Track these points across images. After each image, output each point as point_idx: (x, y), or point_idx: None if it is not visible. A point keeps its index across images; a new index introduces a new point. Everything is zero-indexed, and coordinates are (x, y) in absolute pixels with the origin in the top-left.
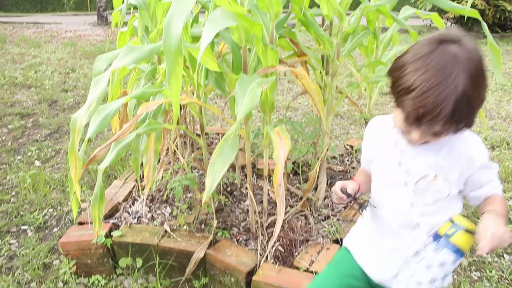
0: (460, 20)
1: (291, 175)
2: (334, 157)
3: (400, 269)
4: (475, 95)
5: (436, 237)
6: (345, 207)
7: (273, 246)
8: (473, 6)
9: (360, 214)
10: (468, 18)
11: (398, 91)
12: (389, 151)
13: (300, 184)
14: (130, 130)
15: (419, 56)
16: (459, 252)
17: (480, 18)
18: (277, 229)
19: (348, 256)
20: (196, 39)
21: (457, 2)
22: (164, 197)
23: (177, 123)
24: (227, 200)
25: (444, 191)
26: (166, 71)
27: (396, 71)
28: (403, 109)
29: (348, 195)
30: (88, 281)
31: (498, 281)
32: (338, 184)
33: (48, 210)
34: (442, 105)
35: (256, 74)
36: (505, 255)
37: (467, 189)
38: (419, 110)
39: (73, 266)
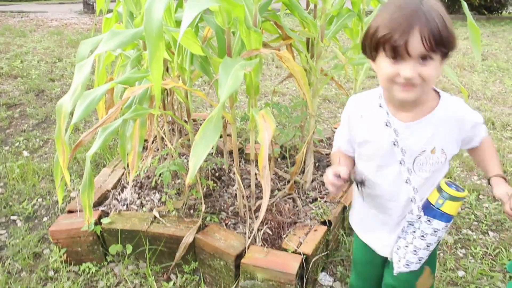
0: (447, 2)
1: (279, 159)
2: (321, 140)
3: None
4: (445, 14)
5: (427, 207)
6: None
7: (260, 229)
8: None
9: (362, 194)
10: (455, 0)
11: (374, 37)
12: (381, 131)
13: (288, 167)
14: (116, 115)
15: (379, 10)
16: (449, 218)
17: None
18: (262, 210)
19: (359, 242)
20: (180, 23)
21: None
22: (153, 184)
23: (164, 109)
24: (215, 185)
25: (442, 160)
26: (148, 55)
27: (367, 30)
28: (384, 49)
29: (345, 180)
30: (79, 269)
31: (483, 257)
32: (330, 172)
33: (37, 200)
34: (416, 15)
35: (240, 57)
36: (489, 232)
37: (460, 146)
38: (397, 33)
39: (63, 254)
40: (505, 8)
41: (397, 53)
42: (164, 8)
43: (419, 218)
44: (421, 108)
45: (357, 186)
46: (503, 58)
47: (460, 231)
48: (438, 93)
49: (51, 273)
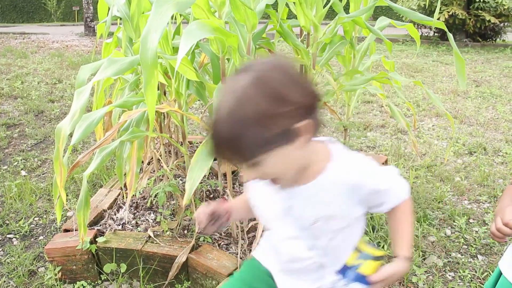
0: (442, 30)
1: None
2: None
3: None
4: (244, 117)
5: (344, 270)
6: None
7: (253, 250)
8: (454, 16)
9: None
10: (451, 27)
11: None
12: (274, 195)
13: None
14: (113, 137)
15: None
16: (368, 279)
17: (445, 29)
18: (259, 233)
19: (258, 265)
20: (177, 50)
21: (440, 12)
22: (148, 204)
23: (161, 131)
24: None
25: (343, 225)
26: (143, 82)
27: None
28: None
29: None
30: (73, 287)
31: (471, 280)
32: (203, 207)
33: (34, 219)
34: (213, 131)
35: None
36: (478, 255)
37: (368, 207)
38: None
39: (58, 272)
40: (499, 36)
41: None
42: (159, 38)
43: (334, 284)
44: (309, 171)
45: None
46: (497, 84)
47: (450, 255)
48: (332, 152)
49: None
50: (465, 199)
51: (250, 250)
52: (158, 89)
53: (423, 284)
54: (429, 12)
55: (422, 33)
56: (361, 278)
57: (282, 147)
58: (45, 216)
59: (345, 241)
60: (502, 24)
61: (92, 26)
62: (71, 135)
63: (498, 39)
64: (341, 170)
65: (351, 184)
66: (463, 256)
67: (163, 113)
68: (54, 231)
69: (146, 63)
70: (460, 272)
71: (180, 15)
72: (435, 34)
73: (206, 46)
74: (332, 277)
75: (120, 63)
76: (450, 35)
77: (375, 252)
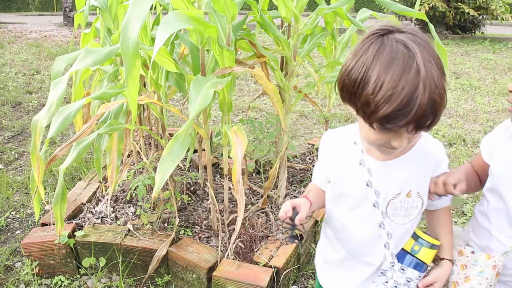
0: (423, 22)
1: (253, 174)
2: (295, 156)
3: None
4: (441, 78)
5: (402, 255)
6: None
7: (233, 243)
8: (434, 8)
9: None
10: (431, 19)
11: (359, 103)
12: (354, 171)
13: (262, 182)
14: (90, 130)
15: (372, 56)
16: (424, 267)
17: (426, 20)
18: (238, 224)
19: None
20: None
21: (420, 4)
22: (128, 197)
23: (141, 124)
24: (190, 199)
25: (417, 205)
26: (124, 72)
27: (354, 83)
28: (367, 118)
29: (293, 223)
30: (51, 282)
31: None
32: (289, 203)
33: (10, 213)
34: (416, 93)
35: (213, 75)
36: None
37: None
38: (393, 109)
39: (35, 267)
40: (478, 28)
41: (391, 128)
42: (140, 27)
43: (393, 266)
44: None
45: (292, 240)
46: (476, 76)
47: None
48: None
49: (22, 286)
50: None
51: (230, 243)
52: None
53: None
54: (410, 4)
55: None
56: (418, 265)
57: None
58: (22, 210)
59: (411, 225)
60: (481, 17)
61: (71, 16)
62: (48, 127)
63: (477, 32)
64: (431, 146)
65: (437, 159)
66: None
67: (143, 105)
68: (31, 225)
69: (127, 52)
70: None
71: (160, 5)
72: (416, 26)
73: (185, 37)
74: (390, 259)
75: (98, 53)
76: (431, 26)
77: (433, 240)
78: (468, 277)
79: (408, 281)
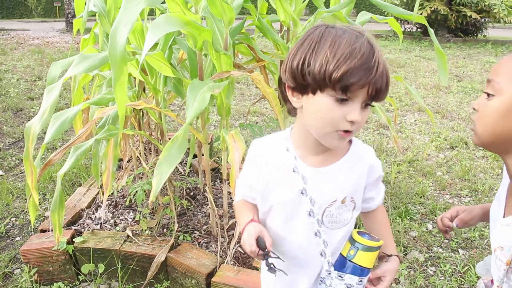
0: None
1: None
2: None
3: None
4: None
5: (339, 261)
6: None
7: (232, 248)
8: (436, 11)
9: (271, 269)
10: (433, 23)
11: (325, 72)
12: (288, 179)
13: None
14: (86, 135)
15: (319, 36)
16: (364, 271)
17: (426, 23)
18: (237, 230)
19: None
20: (154, 46)
21: (420, 8)
22: (127, 203)
23: (140, 129)
24: (189, 204)
25: (350, 209)
26: (112, 78)
27: (304, 60)
28: (335, 88)
29: (263, 250)
30: None
31: (452, 274)
32: (251, 238)
33: (10, 219)
34: (374, 53)
35: (210, 79)
36: (459, 249)
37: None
38: (356, 62)
39: (34, 274)
40: (480, 31)
41: (349, 94)
42: (128, 32)
43: (329, 274)
44: (332, 153)
45: (268, 267)
46: (478, 79)
47: (431, 249)
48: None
49: None
50: (447, 194)
51: (230, 248)
52: (135, 86)
53: (404, 280)
54: (412, 7)
55: (405, 28)
56: (356, 270)
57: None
58: (22, 217)
59: (348, 229)
60: (483, 20)
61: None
62: (45, 133)
63: (479, 35)
64: (363, 151)
65: (369, 165)
66: (444, 251)
67: (142, 110)
68: (31, 231)
69: (115, 58)
70: (441, 267)
71: (159, 10)
72: (418, 29)
73: (183, 41)
74: (327, 268)
75: (92, 59)
76: (431, 30)
77: (369, 243)
78: None
79: (348, 287)
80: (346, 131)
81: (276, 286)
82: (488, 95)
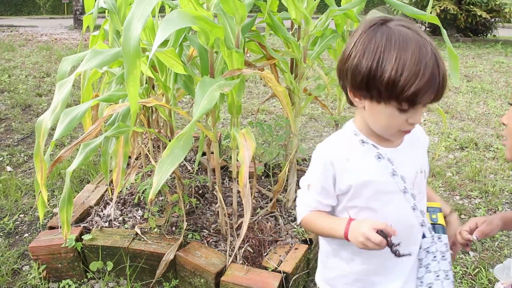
0: (434, 24)
1: (263, 177)
2: (305, 159)
3: (417, 276)
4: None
5: (432, 227)
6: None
7: (242, 247)
8: (446, 11)
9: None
10: (442, 22)
11: (383, 85)
12: (376, 166)
13: (271, 186)
14: (96, 132)
15: (383, 41)
16: (445, 229)
17: (439, 24)
18: (243, 229)
19: None
20: (165, 43)
21: (431, 6)
22: (136, 200)
23: (149, 126)
24: (198, 202)
25: (425, 181)
26: (125, 72)
27: (370, 69)
28: (400, 103)
29: (390, 240)
30: (58, 286)
31: (463, 276)
32: (372, 233)
33: (19, 216)
34: (437, 67)
35: (221, 77)
36: (470, 252)
37: None
38: (423, 92)
39: (42, 271)
40: (490, 31)
41: (413, 107)
42: (142, 26)
43: (433, 239)
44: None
45: (395, 254)
46: (488, 79)
47: None
48: None
49: None
50: (457, 195)
51: (240, 247)
52: (146, 83)
53: None
54: (421, 6)
55: None
56: (443, 229)
57: None
58: (30, 213)
59: (424, 202)
60: (493, 20)
61: (82, 19)
62: (54, 129)
63: (489, 35)
64: (416, 129)
65: (423, 136)
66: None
67: (151, 107)
68: (39, 228)
69: (128, 52)
70: (452, 268)
71: (170, 7)
72: (427, 29)
73: (194, 38)
74: (428, 234)
75: (104, 54)
76: (444, 31)
77: (437, 204)
78: None
79: (447, 246)
80: (408, 130)
81: (373, 280)
82: None
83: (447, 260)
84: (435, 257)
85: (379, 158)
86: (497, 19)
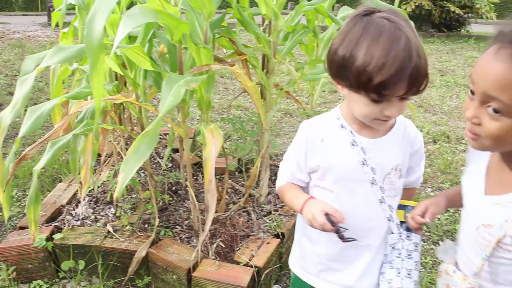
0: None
1: (236, 173)
2: (277, 155)
3: (381, 271)
4: (422, 47)
5: (400, 225)
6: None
7: (214, 243)
8: (421, 6)
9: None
10: (417, 18)
11: (362, 75)
12: (347, 153)
13: (245, 181)
14: (63, 129)
15: (360, 31)
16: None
17: (406, 15)
18: (207, 224)
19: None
20: (133, 39)
21: (405, 3)
22: (108, 198)
23: (120, 123)
24: (171, 199)
25: (399, 177)
26: (89, 68)
27: (343, 58)
28: (368, 92)
29: (332, 223)
30: (29, 287)
31: (432, 266)
32: (318, 212)
33: None
34: (408, 60)
35: (189, 73)
36: (440, 242)
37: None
38: (388, 76)
39: (12, 272)
40: (464, 27)
41: (385, 97)
42: (105, 20)
43: (400, 236)
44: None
45: (343, 240)
46: (461, 74)
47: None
48: None
49: None
50: (428, 187)
51: (212, 243)
52: (116, 79)
53: None
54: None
55: None
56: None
57: None
58: (0, 214)
59: (399, 197)
60: (466, 15)
61: None
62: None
63: (462, 30)
64: (406, 123)
65: (412, 136)
66: (425, 243)
67: (123, 105)
68: (10, 229)
69: (91, 46)
70: (422, 259)
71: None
72: None
73: (162, 34)
74: (396, 230)
75: (68, 50)
76: (411, 23)
77: (415, 203)
78: None
79: (416, 246)
80: (387, 119)
81: (333, 267)
82: (496, 111)
83: (413, 259)
84: (400, 254)
85: (353, 145)
86: (470, 14)
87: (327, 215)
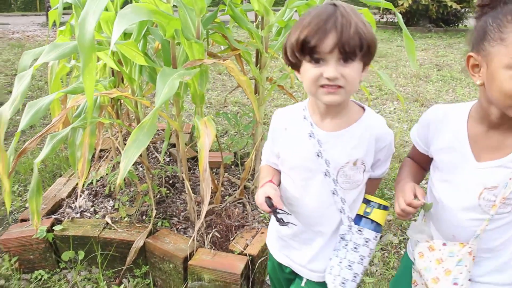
0: (407, 15)
1: (232, 167)
2: None
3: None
4: (361, 18)
5: (357, 219)
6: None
7: (209, 233)
8: (417, 1)
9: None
10: (414, 13)
11: (294, 44)
12: (305, 144)
13: (240, 174)
14: (61, 123)
15: (301, 17)
16: (378, 227)
17: (393, 8)
18: (203, 212)
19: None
20: (128, 36)
21: None
22: (107, 191)
23: (117, 118)
24: (169, 192)
25: (361, 171)
26: (81, 66)
27: (286, 41)
28: (305, 54)
29: (271, 207)
30: (31, 277)
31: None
32: (262, 193)
33: None
34: (333, 18)
35: (182, 67)
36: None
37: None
38: (315, 36)
39: (15, 262)
40: (461, 21)
41: (318, 55)
42: (97, 20)
43: (350, 229)
44: (345, 119)
45: (279, 222)
46: (457, 68)
47: (405, 232)
48: (363, 108)
49: (1, 281)
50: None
51: (207, 233)
52: (113, 75)
53: (378, 261)
54: None
55: (387, 19)
56: (373, 225)
57: (365, 64)
58: (2, 208)
59: (360, 190)
60: (463, 10)
61: None
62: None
63: (460, 25)
64: (372, 121)
65: (377, 133)
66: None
67: (120, 100)
68: (12, 222)
69: (83, 46)
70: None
71: (132, 1)
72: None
73: (156, 31)
74: (347, 222)
75: (63, 47)
76: (399, 16)
77: (381, 201)
78: (447, 269)
79: (366, 241)
80: (331, 86)
81: (292, 244)
82: None
83: (359, 253)
84: (346, 245)
85: (310, 136)
86: (467, 9)
87: (269, 198)
